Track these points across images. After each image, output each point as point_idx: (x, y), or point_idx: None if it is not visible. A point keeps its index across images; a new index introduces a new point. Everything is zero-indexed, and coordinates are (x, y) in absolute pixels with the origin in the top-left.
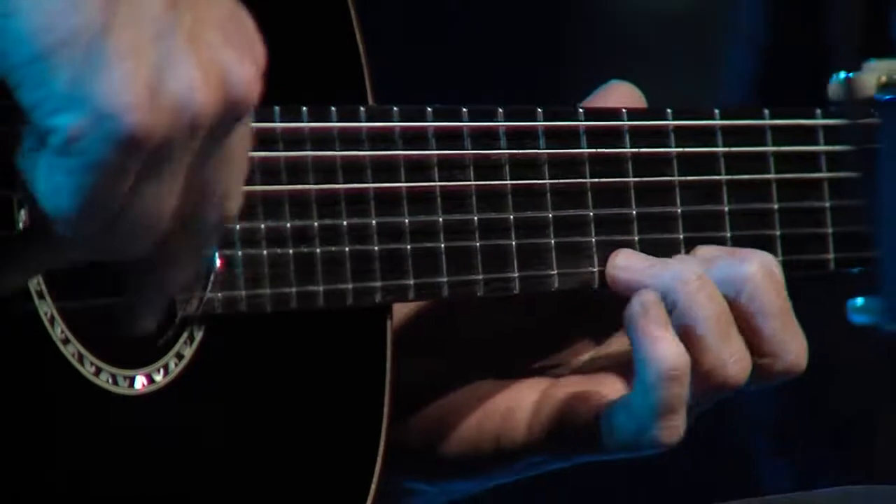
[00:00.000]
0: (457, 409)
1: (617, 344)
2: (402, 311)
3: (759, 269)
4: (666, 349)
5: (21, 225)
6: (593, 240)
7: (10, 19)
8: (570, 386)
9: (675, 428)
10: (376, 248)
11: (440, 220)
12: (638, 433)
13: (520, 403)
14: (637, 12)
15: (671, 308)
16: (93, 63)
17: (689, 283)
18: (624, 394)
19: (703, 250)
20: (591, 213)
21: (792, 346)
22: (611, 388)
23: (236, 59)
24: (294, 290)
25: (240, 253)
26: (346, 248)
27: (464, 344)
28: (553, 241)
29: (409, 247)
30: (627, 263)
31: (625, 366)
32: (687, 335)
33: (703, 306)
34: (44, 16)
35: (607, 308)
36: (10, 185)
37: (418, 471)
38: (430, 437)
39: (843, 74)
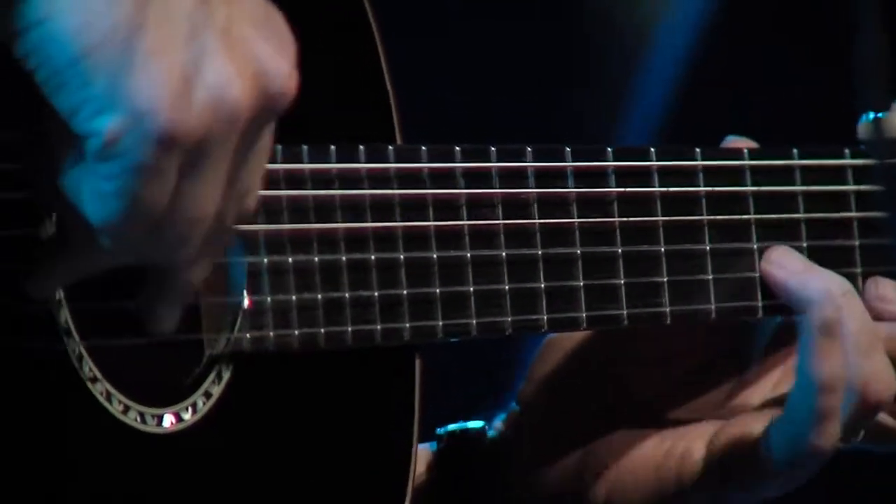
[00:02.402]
0: (630, 461)
1: (762, 381)
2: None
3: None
4: (828, 363)
5: (49, 232)
6: (622, 282)
7: (49, 22)
8: (742, 422)
9: (831, 435)
10: (405, 291)
11: (468, 254)
12: (796, 438)
13: (694, 446)
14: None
15: (816, 320)
16: (128, 62)
17: (836, 297)
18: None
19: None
20: (620, 251)
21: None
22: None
23: (271, 53)
24: (322, 330)
25: (269, 299)
26: (376, 293)
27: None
28: (582, 283)
29: (437, 290)
30: (781, 261)
31: (776, 400)
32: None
33: (847, 321)
34: (81, 15)
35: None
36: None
37: None
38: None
39: (872, 115)
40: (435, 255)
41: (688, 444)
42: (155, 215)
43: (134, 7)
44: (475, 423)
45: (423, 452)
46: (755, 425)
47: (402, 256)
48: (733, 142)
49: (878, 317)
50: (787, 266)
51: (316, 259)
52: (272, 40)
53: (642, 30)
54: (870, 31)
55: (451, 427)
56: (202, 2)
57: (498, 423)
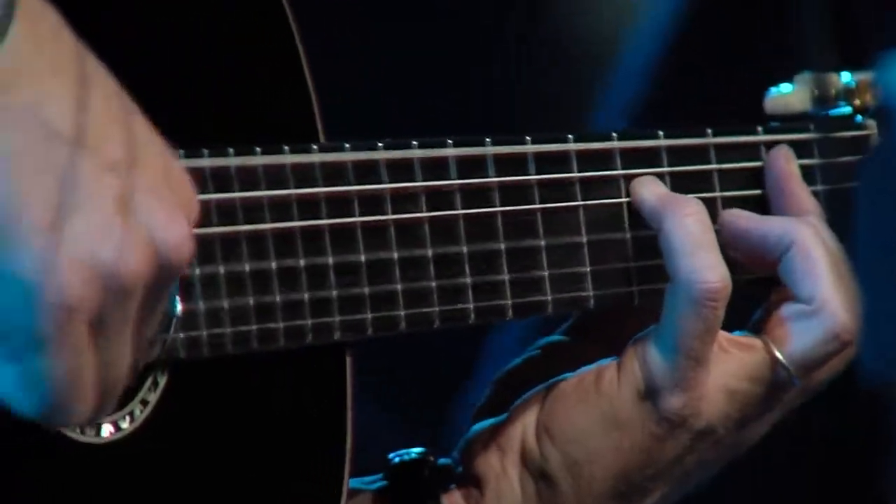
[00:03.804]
0: None
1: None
2: None
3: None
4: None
5: None
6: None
7: None
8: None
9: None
10: (335, 292)
11: (395, 255)
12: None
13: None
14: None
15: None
16: (13, 238)
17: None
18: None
19: None
20: (543, 244)
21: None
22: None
23: (165, 222)
24: (254, 328)
25: (202, 304)
26: (306, 295)
27: None
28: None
29: (366, 290)
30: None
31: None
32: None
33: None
34: None
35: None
36: None
37: None
38: None
39: (774, 90)
40: (363, 256)
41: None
42: (84, 395)
43: (21, 179)
44: (418, 450)
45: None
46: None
47: (330, 260)
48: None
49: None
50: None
51: (246, 267)
52: (168, 205)
53: (611, 34)
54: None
55: (398, 456)
56: (98, 174)
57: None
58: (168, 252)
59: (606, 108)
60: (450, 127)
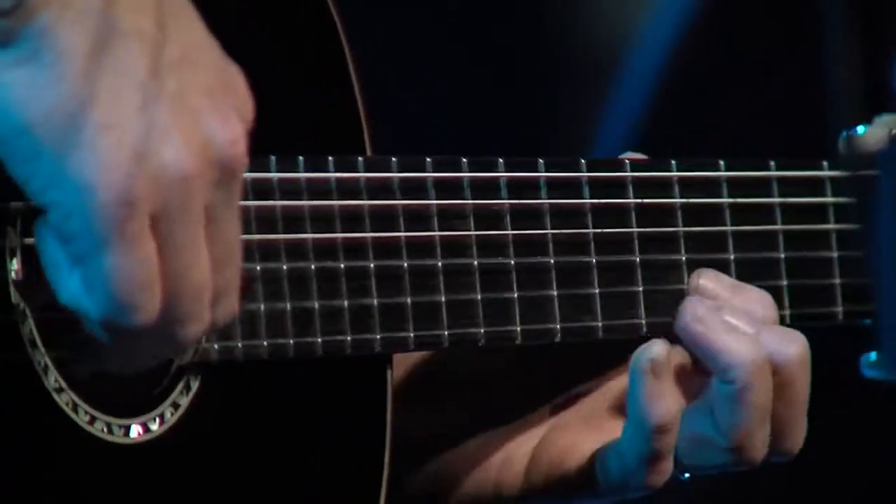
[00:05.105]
0: (455, 462)
1: (616, 385)
2: (403, 361)
3: (802, 354)
4: (661, 406)
5: (13, 275)
6: (597, 291)
7: None
8: (567, 431)
9: (663, 472)
10: (375, 301)
11: (439, 264)
12: (626, 477)
13: (516, 453)
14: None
15: (729, 382)
16: (74, 137)
17: (750, 364)
18: (617, 437)
19: (708, 278)
20: (594, 260)
21: (798, 434)
22: (608, 432)
23: (219, 122)
24: (292, 341)
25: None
26: (346, 303)
27: (462, 390)
28: (556, 293)
29: (409, 300)
30: (703, 315)
31: (622, 408)
32: (732, 411)
33: (756, 393)
34: (24, 89)
35: (607, 349)
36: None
37: None
38: (430, 491)
39: (847, 132)
40: (405, 264)
41: (509, 453)
42: (148, 293)
43: (81, 82)
44: None
45: None
46: (585, 440)
47: (371, 265)
48: (627, 156)
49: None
50: (708, 323)
51: (284, 268)
52: (223, 107)
53: (622, 35)
54: (840, 47)
55: None
56: (153, 74)
57: None
58: (223, 150)
59: (612, 118)
60: (460, 126)
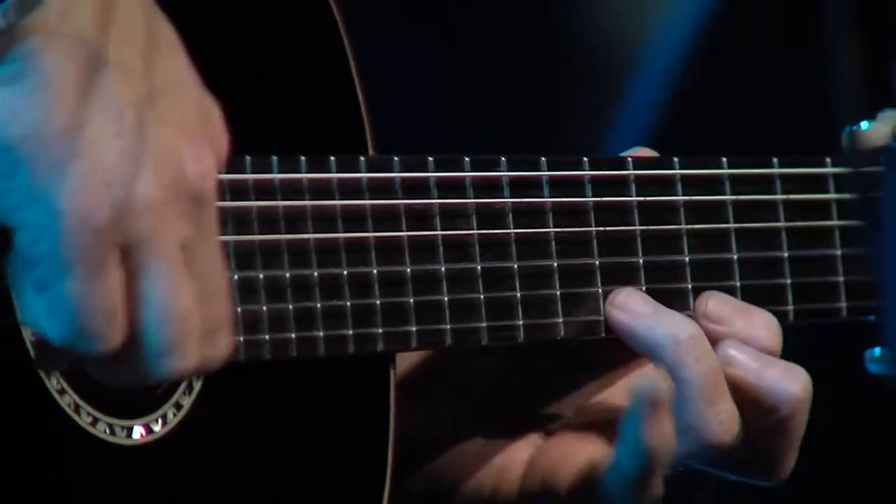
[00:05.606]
0: (453, 465)
1: (614, 396)
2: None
3: (804, 392)
4: (658, 436)
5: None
6: (600, 290)
7: None
8: (563, 442)
9: (658, 487)
10: (378, 301)
11: (442, 269)
12: (626, 485)
13: (514, 460)
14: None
15: (658, 363)
16: (49, 161)
17: (680, 343)
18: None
19: (716, 303)
20: (598, 262)
21: (789, 463)
22: (602, 444)
23: (192, 156)
24: (294, 335)
25: (239, 309)
26: (348, 303)
27: (461, 392)
28: (559, 292)
29: (412, 300)
30: (626, 305)
31: (615, 421)
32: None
33: (688, 367)
34: (4, 109)
35: (607, 358)
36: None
37: None
38: (429, 491)
39: (850, 127)
40: (408, 269)
41: (507, 459)
42: (109, 323)
43: (63, 107)
44: None
45: None
46: (579, 451)
47: (374, 265)
48: (638, 151)
49: (708, 336)
50: (632, 309)
51: (286, 268)
52: (197, 141)
53: (633, 37)
54: (844, 43)
55: None
56: (134, 104)
57: None
58: (194, 184)
59: (622, 120)
60: (473, 123)
